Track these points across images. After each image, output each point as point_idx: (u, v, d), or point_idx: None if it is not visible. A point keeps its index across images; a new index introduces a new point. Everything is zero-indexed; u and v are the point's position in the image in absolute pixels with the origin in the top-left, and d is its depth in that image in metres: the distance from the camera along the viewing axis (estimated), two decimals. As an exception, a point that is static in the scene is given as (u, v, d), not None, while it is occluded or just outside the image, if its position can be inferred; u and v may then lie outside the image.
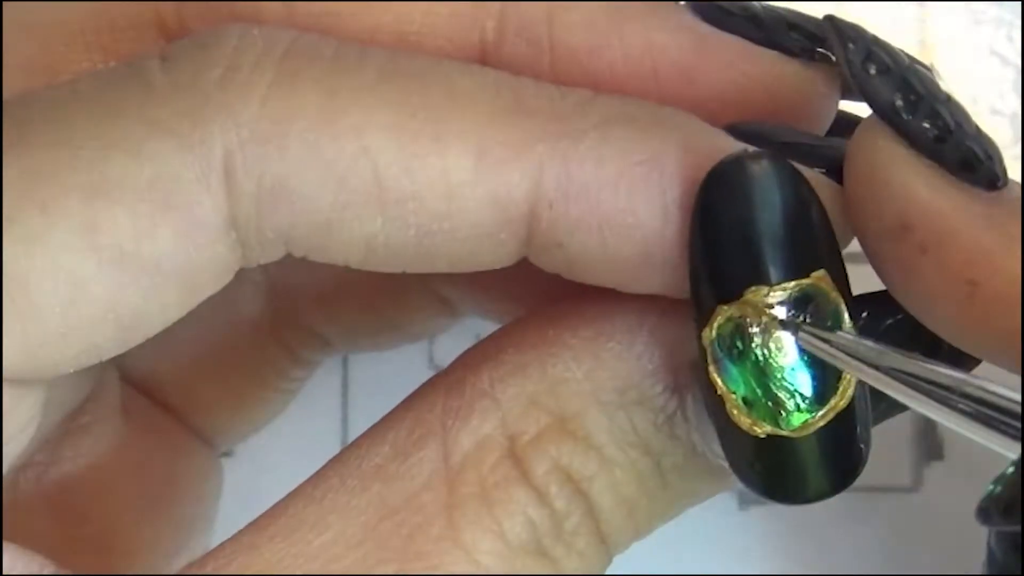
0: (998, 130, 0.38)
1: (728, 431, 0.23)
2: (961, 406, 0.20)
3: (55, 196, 0.22)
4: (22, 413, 0.24)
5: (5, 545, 0.23)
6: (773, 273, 0.22)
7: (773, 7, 0.26)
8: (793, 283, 0.22)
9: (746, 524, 0.37)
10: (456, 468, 0.23)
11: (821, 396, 0.22)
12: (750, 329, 0.22)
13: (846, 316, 0.22)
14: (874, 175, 0.23)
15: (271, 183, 0.22)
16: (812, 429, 0.22)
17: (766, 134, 0.24)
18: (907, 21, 0.39)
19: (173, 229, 0.22)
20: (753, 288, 0.22)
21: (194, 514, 0.32)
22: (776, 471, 0.23)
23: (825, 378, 0.22)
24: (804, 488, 0.23)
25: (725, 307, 0.22)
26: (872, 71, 0.22)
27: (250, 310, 0.31)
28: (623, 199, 0.23)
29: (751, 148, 0.23)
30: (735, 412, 0.23)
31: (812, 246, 0.22)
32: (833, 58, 0.25)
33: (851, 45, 0.23)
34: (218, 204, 0.22)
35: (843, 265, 0.23)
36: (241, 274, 0.30)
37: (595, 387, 0.24)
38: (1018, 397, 0.20)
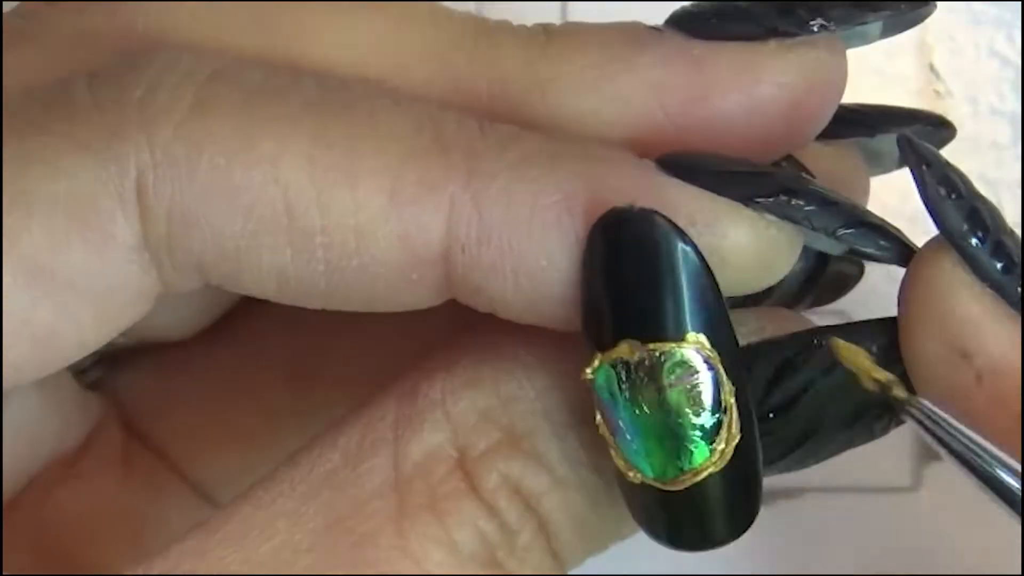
0: (998, 130, 0.38)
1: (619, 474, 0.23)
2: None
3: None
4: None
5: None
6: (645, 330, 0.22)
7: None
8: (669, 344, 0.22)
9: (746, 524, 0.37)
10: (406, 477, 0.23)
11: (690, 457, 0.22)
12: (623, 379, 0.22)
13: (724, 379, 0.22)
14: (936, 298, 0.22)
15: (180, 206, 0.22)
16: (683, 485, 0.22)
17: (696, 164, 0.23)
18: (907, 21, 0.38)
19: (86, 245, 0.22)
20: (626, 341, 0.22)
21: None
22: (666, 518, 0.23)
23: (697, 437, 0.22)
24: (698, 535, 0.23)
25: (601, 355, 0.22)
26: (944, 194, 0.22)
27: (268, 389, 0.31)
28: (535, 242, 0.22)
29: (637, 206, 0.22)
30: (613, 454, 0.23)
31: (694, 307, 0.22)
32: (829, 24, 0.25)
33: (925, 167, 0.22)
34: (132, 224, 0.22)
35: (729, 326, 0.22)
36: (263, 355, 0.29)
37: (547, 407, 0.24)
38: None
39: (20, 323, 0.22)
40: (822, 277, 0.27)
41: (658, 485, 0.22)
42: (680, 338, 0.22)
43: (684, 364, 0.22)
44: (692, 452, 0.22)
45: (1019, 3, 0.38)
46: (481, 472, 0.23)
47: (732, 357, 0.22)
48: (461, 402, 0.24)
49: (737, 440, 0.22)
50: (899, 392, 0.22)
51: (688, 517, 0.23)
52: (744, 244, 0.23)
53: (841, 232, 0.23)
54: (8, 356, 0.22)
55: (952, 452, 0.22)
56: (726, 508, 0.23)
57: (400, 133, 0.23)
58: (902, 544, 0.37)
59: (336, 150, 0.22)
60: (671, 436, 0.22)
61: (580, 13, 0.38)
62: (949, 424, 0.22)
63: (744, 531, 0.23)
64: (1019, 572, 0.34)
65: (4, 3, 0.27)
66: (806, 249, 0.24)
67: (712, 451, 0.22)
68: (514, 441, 0.24)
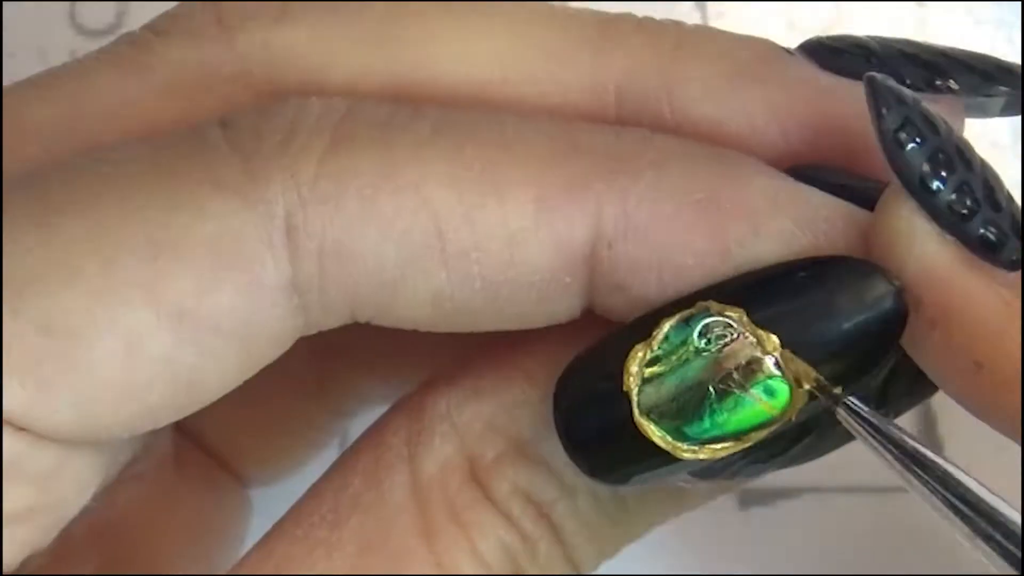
0: (998, 130, 0.38)
1: (590, 372, 0.23)
2: (979, 523, 0.21)
3: (118, 252, 0.22)
4: (74, 476, 0.23)
5: None
6: (793, 347, 0.22)
7: (887, 39, 0.25)
8: (781, 360, 0.22)
9: (746, 524, 0.37)
10: (425, 490, 0.23)
11: (692, 431, 0.22)
12: (712, 335, 0.22)
13: (783, 421, 0.22)
14: (892, 245, 0.22)
15: (333, 242, 0.22)
16: (651, 436, 0.22)
17: (821, 177, 0.24)
18: (907, 21, 0.39)
19: (234, 288, 0.22)
20: (759, 328, 0.22)
21: (227, 553, 0.32)
22: (595, 434, 0.23)
23: (712, 432, 0.22)
24: (596, 461, 0.23)
25: (719, 305, 0.22)
26: (904, 140, 0.22)
27: (298, 368, 0.31)
28: (681, 238, 0.23)
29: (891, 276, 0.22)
30: (634, 361, 0.22)
31: (842, 365, 0.22)
32: (955, 87, 0.25)
33: (884, 111, 0.22)
34: (280, 265, 0.22)
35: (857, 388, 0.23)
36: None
37: (550, 412, 0.24)
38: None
39: (162, 367, 0.22)
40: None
41: (635, 415, 0.22)
42: (809, 376, 0.22)
43: (773, 392, 0.22)
44: (696, 431, 0.22)
45: (1019, 3, 0.38)
46: (493, 481, 0.24)
47: (823, 391, 0.22)
48: (466, 413, 0.24)
49: (713, 461, 0.22)
50: (836, 390, 0.22)
51: (612, 448, 0.22)
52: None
53: None
54: (149, 399, 0.22)
55: (879, 448, 0.22)
56: (637, 466, 0.23)
57: (536, 144, 0.23)
58: (902, 544, 0.37)
59: (477, 167, 0.23)
60: (699, 407, 0.22)
61: (580, 13, 0.38)
62: (877, 420, 0.22)
63: (601, 480, 0.23)
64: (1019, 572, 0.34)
65: (4, 4, 0.27)
66: None
67: (703, 447, 0.22)
68: (520, 448, 0.24)
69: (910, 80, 0.25)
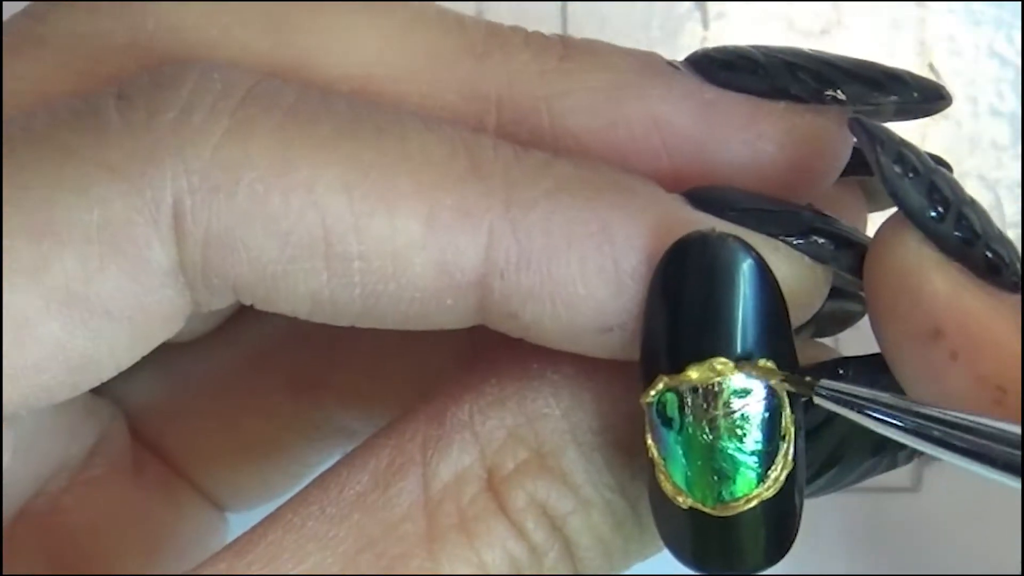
0: (998, 130, 0.38)
1: (657, 497, 0.23)
2: (967, 445, 0.21)
3: (4, 235, 0.22)
4: None
5: None
6: (720, 352, 0.22)
7: (772, 49, 0.26)
8: (737, 370, 0.22)
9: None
10: (436, 499, 0.23)
11: (743, 484, 0.22)
12: (687, 403, 0.22)
13: (786, 405, 0.22)
14: (904, 278, 0.22)
15: (218, 231, 0.22)
16: (734, 511, 0.22)
17: (725, 200, 0.24)
18: (907, 21, 0.39)
19: (122, 272, 0.22)
20: (694, 367, 0.22)
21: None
22: (703, 543, 0.23)
23: (755, 465, 0.22)
24: (733, 561, 0.23)
25: (667, 378, 0.22)
26: (901, 172, 0.22)
27: (273, 397, 0.31)
28: (573, 270, 0.22)
29: (717, 228, 0.22)
30: (661, 478, 0.22)
31: (765, 333, 0.22)
32: (842, 97, 0.25)
33: (879, 147, 0.22)
34: (167, 248, 0.22)
35: (794, 354, 0.23)
36: (268, 363, 0.30)
37: (573, 425, 0.24)
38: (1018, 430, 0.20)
39: (54, 349, 0.22)
40: (822, 310, 0.27)
41: (706, 510, 0.22)
42: (750, 364, 0.22)
43: (749, 391, 0.22)
44: (745, 479, 0.22)
45: (1019, 3, 0.38)
46: (509, 492, 0.23)
47: (795, 385, 0.22)
48: (489, 421, 0.24)
49: (791, 468, 0.22)
50: (808, 381, 0.22)
51: (727, 543, 0.23)
52: (786, 281, 0.23)
53: None
54: (41, 380, 0.22)
55: (866, 417, 0.22)
56: (765, 536, 0.23)
57: (435, 158, 0.23)
58: (902, 544, 0.37)
59: (372, 175, 0.22)
60: (727, 462, 0.22)
61: (580, 13, 0.38)
62: (858, 393, 0.22)
63: (776, 562, 0.23)
64: (1019, 572, 0.34)
65: (4, 4, 0.27)
66: None
67: (765, 478, 0.22)
68: (541, 460, 0.24)
69: (796, 91, 0.25)
